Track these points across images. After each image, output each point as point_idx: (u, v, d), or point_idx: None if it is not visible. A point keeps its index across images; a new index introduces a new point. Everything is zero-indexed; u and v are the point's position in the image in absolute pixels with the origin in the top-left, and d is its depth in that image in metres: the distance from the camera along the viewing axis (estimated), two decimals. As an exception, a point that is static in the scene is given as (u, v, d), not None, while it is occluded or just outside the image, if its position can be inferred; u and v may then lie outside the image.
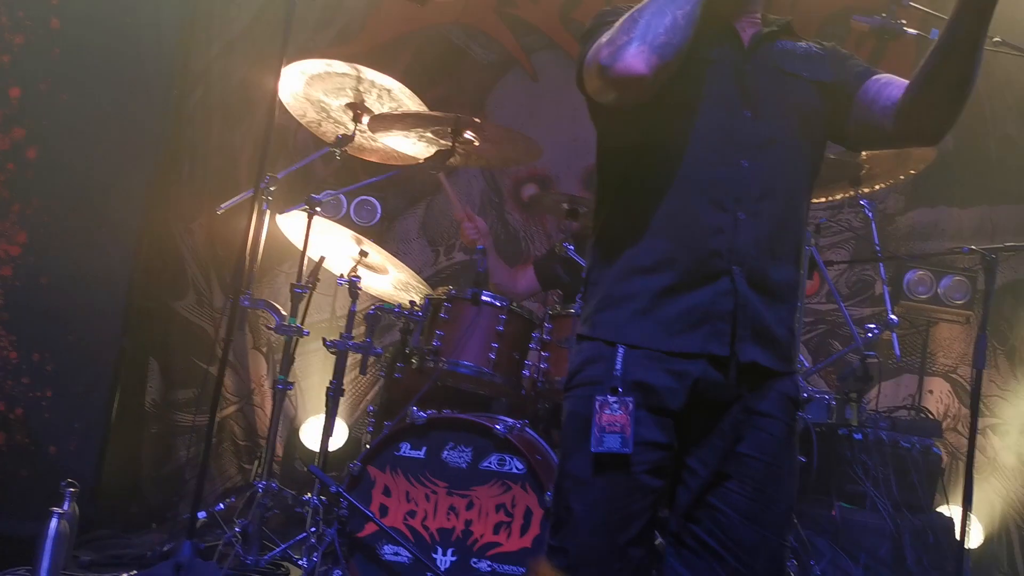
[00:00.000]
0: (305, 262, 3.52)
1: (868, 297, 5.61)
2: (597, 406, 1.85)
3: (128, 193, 4.06)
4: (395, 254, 5.32)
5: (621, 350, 1.88)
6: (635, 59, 1.75)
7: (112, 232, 4.01)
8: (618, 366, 1.87)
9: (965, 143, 5.59)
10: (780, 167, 1.93)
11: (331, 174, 5.68)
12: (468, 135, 3.43)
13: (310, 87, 3.72)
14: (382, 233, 5.49)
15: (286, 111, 3.83)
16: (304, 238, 3.44)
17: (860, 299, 5.62)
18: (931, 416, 4.74)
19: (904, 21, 3.65)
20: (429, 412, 3.21)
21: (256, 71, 4.80)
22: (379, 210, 5.39)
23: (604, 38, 1.82)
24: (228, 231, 4.55)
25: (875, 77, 2.00)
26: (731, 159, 1.90)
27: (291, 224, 3.75)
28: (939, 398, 5.51)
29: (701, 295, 1.87)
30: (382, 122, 3.46)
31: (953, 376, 5.49)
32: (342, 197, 5.32)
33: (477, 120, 3.34)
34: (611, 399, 1.86)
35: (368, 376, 5.01)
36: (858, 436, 4.04)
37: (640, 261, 1.92)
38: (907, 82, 1.92)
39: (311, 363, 5.10)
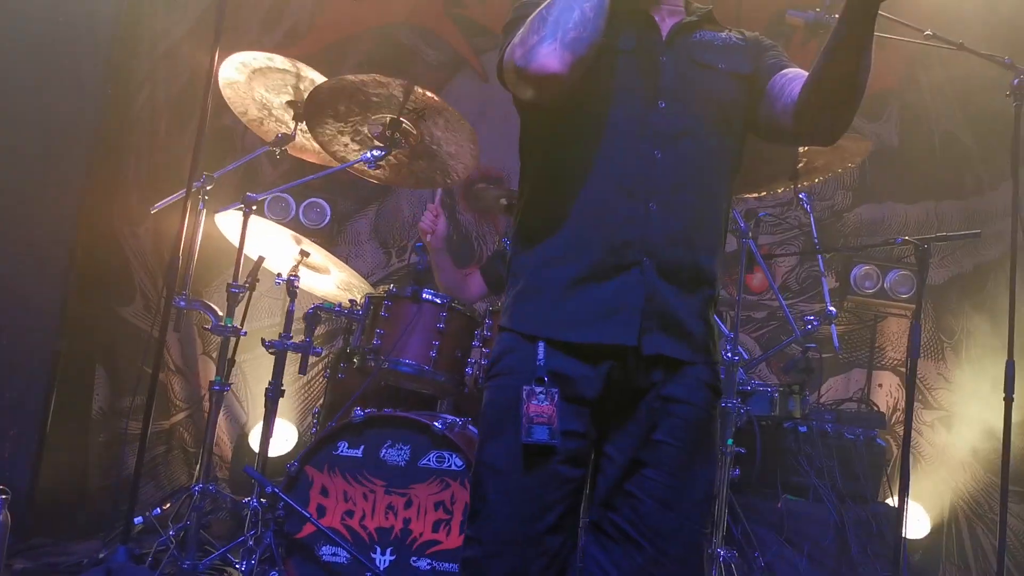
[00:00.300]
0: (242, 262, 3.48)
1: (818, 292, 5.65)
2: (525, 395, 1.84)
3: (62, 198, 3.98)
4: (346, 257, 5.36)
5: (541, 342, 1.88)
6: (548, 58, 1.75)
7: (46, 237, 3.94)
8: (540, 356, 1.87)
9: (909, 139, 5.68)
10: (695, 159, 1.93)
11: (279, 176, 5.66)
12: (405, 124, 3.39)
13: (251, 82, 3.67)
14: (332, 236, 5.47)
15: (232, 113, 3.78)
16: (240, 237, 3.39)
17: (810, 295, 5.67)
18: (877, 409, 4.78)
19: (836, 16, 3.70)
20: (368, 410, 3.19)
21: (204, 70, 4.75)
22: (328, 212, 5.37)
23: (517, 38, 1.81)
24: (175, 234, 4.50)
25: (783, 72, 1.99)
26: (644, 150, 1.90)
27: (229, 224, 3.70)
28: (888, 391, 5.57)
29: (611, 286, 1.87)
30: (315, 109, 3.40)
31: (902, 370, 5.54)
32: (289, 198, 5.29)
33: (419, 90, 3.28)
34: (538, 389, 1.86)
35: (321, 378, 4.98)
36: (803, 429, 4.06)
37: (554, 251, 1.92)
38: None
39: (263, 366, 5.06)
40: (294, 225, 5.33)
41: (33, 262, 3.95)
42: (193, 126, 5.01)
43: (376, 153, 3.42)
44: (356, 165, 3.49)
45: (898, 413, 5.48)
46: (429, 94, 3.32)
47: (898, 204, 5.69)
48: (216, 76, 3.49)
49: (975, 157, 5.65)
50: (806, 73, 1.92)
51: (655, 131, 1.90)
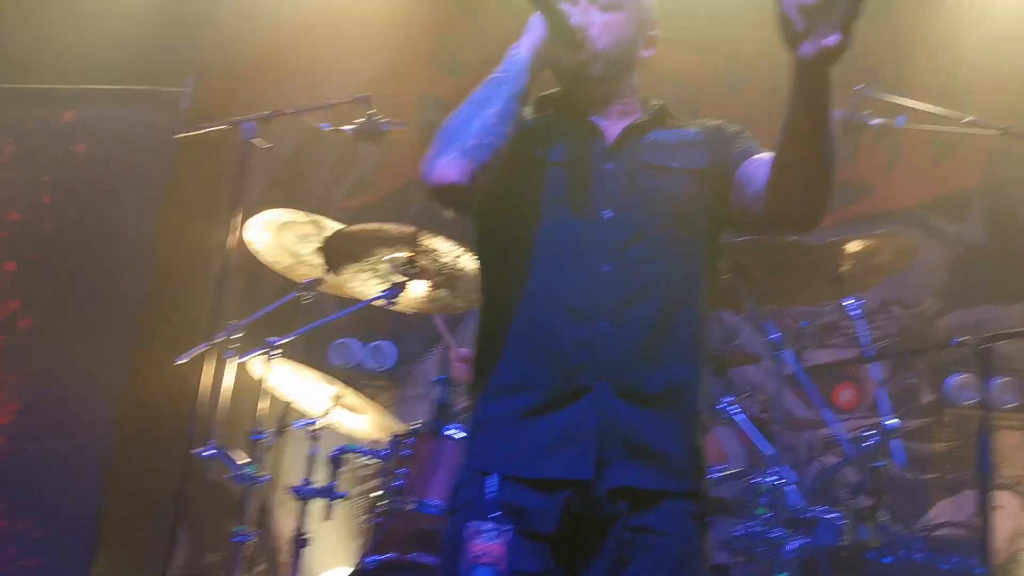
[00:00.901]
0: (268, 405, 3.50)
1: (915, 407, 5.24)
2: (469, 534, 1.71)
3: (109, 359, 4.15)
4: (416, 397, 5.34)
5: (495, 475, 1.76)
6: (446, 168, 1.72)
7: (95, 398, 4.11)
8: (489, 490, 1.75)
9: (1000, 236, 5.31)
10: (650, 266, 1.81)
11: (347, 321, 5.76)
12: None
13: (279, 236, 3.81)
14: (403, 377, 5.48)
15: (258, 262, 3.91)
16: (259, 381, 3.42)
17: (907, 409, 5.24)
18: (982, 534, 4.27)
19: (869, 112, 3.55)
20: (386, 555, 3.08)
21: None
22: (395, 353, 5.39)
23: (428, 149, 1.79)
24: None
25: (752, 158, 1.86)
26: (590, 264, 1.80)
27: (273, 371, 3.75)
28: (1009, 513, 5.01)
29: (565, 415, 1.75)
30: (336, 255, 3.47)
31: (1021, 489, 5.00)
32: (354, 342, 5.37)
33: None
34: (484, 527, 1.72)
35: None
36: (887, 560, 3.65)
37: (506, 380, 1.83)
38: None
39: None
40: (358, 369, 5.40)
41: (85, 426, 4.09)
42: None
43: (394, 290, 3.43)
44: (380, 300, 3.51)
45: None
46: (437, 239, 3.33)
47: (993, 306, 5.26)
48: (239, 234, 3.60)
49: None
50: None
51: (600, 243, 1.80)
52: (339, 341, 5.37)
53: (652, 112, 1.98)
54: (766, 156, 1.82)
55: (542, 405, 1.76)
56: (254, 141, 3.50)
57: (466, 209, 1.83)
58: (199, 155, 4.32)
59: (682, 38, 5.81)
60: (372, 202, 5.73)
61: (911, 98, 3.99)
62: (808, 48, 1.44)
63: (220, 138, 3.69)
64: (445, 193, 1.74)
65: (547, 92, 2.00)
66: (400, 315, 5.63)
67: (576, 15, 1.86)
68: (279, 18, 5.12)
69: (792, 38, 1.45)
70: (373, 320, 5.85)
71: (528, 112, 1.95)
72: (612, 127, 1.93)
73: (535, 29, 1.82)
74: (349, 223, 3.72)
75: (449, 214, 1.83)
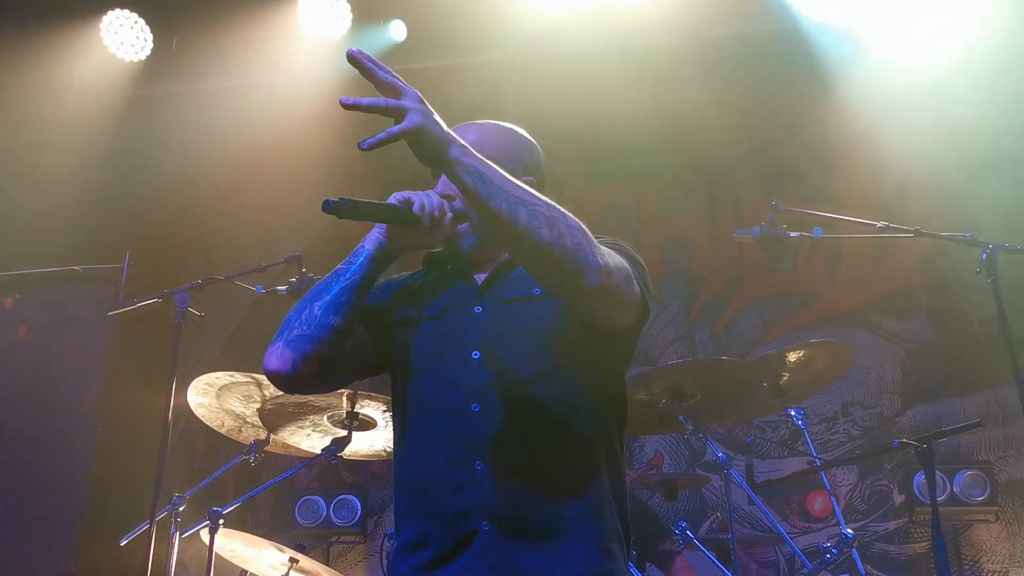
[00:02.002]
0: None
1: (889, 509, 5.17)
2: None
3: (56, 544, 4.07)
4: (379, 552, 5.23)
5: None
6: (271, 357, 1.82)
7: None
8: None
9: (947, 331, 5.37)
10: (521, 399, 1.79)
11: (313, 478, 5.69)
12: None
13: (220, 398, 3.77)
14: (368, 531, 5.40)
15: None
16: (208, 554, 3.33)
17: (880, 512, 5.18)
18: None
19: (785, 226, 3.64)
20: None
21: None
22: (359, 508, 5.31)
23: None
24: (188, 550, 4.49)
25: None
26: (461, 407, 1.80)
27: (227, 541, 3.66)
28: (998, 610, 4.89)
29: (458, 564, 1.73)
30: (274, 417, 3.45)
31: (1004, 583, 4.90)
32: (318, 500, 5.29)
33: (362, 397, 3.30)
34: None
35: None
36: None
37: (407, 537, 1.83)
38: None
39: None
40: (325, 525, 5.30)
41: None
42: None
43: (334, 448, 3.39)
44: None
45: (1013, 635, 4.78)
46: (372, 400, 3.33)
47: (952, 399, 5.28)
48: (172, 402, 3.56)
49: (1024, 334, 5.27)
50: None
51: (469, 385, 1.81)
52: (304, 499, 5.30)
53: None
54: None
55: (437, 558, 1.75)
56: (189, 310, 3.53)
57: (302, 392, 1.92)
58: (140, 328, 4.34)
59: (618, 168, 6.09)
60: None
61: (837, 206, 4.07)
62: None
63: (158, 309, 3.70)
64: (272, 379, 1.85)
65: (432, 251, 2.02)
66: (365, 465, 5.64)
67: (418, 201, 1.78)
68: (218, 186, 5.26)
69: None
70: (338, 475, 5.80)
71: (413, 272, 2.04)
72: (484, 270, 1.95)
73: (378, 225, 1.84)
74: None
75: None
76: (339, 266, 1.85)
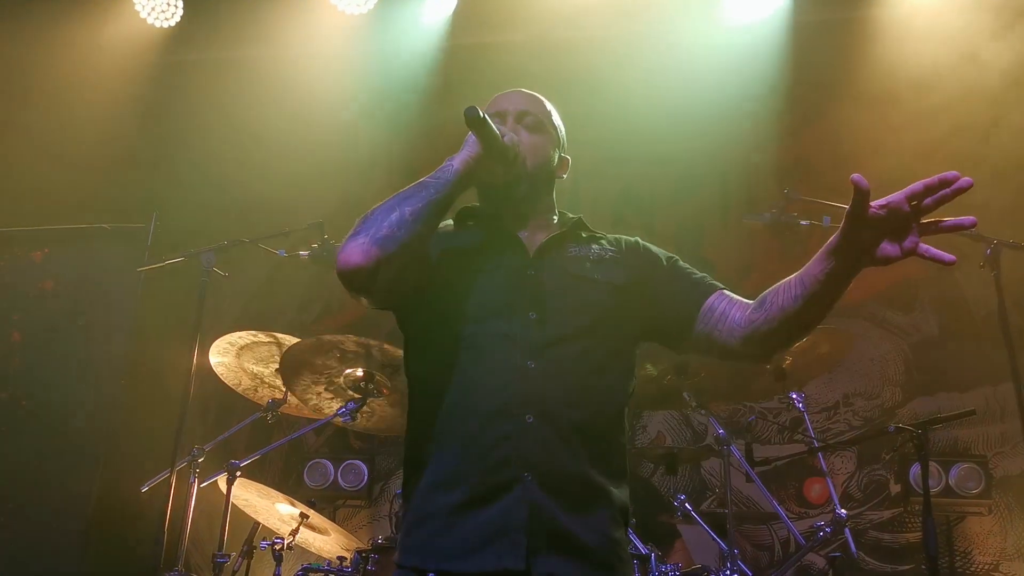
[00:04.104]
0: (232, 526, 3.51)
1: (885, 498, 5.27)
2: None
3: (77, 487, 4.19)
4: (388, 516, 5.36)
5: (431, 573, 1.81)
6: (354, 251, 1.78)
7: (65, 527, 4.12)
8: None
9: (950, 325, 5.44)
10: (573, 365, 1.90)
11: (322, 443, 5.82)
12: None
13: (240, 357, 3.89)
14: (374, 496, 5.51)
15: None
16: (225, 505, 3.45)
17: (877, 501, 5.28)
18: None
19: (796, 214, 3.73)
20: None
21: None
22: (366, 473, 5.42)
23: None
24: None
25: (720, 293, 2.02)
26: (516, 362, 1.88)
27: (242, 491, 3.78)
28: (989, 601, 4.99)
29: (495, 508, 1.80)
30: (293, 365, 3.55)
31: (996, 575, 4.99)
32: (327, 463, 5.40)
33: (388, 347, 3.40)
34: None
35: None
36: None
37: (437, 477, 1.87)
38: (747, 303, 1.96)
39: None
40: (333, 489, 5.42)
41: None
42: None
43: (351, 405, 3.51)
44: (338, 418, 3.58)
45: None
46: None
47: (952, 393, 5.36)
48: (195, 359, 3.68)
49: (1029, 331, 5.34)
50: (742, 300, 1.98)
51: (526, 343, 1.89)
52: (313, 462, 5.42)
53: (569, 225, 2.13)
54: (732, 298, 2.01)
55: (472, 500, 1.81)
56: (214, 270, 3.63)
57: (370, 297, 1.87)
58: (165, 287, 4.45)
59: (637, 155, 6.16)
60: (339, 326, 5.86)
61: (847, 199, 4.14)
62: (891, 250, 1.67)
63: (183, 269, 3.82)
64: (349, 276, 1.80)
65: (468, 205, 2.12)
66: (372, 435, 5.75)
67: (508, 134, 1.98)
68: (243, 153, 5.37)
69: (867, 231, 1.67)
70: (346, 441, 5.92)
71: (449, 222, 2.09)
72: (532, 239, 2.06)
73: (470, 146, 1.94)
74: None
75: (363, 302, 1.89)
76: (424, 178, 1.89)
